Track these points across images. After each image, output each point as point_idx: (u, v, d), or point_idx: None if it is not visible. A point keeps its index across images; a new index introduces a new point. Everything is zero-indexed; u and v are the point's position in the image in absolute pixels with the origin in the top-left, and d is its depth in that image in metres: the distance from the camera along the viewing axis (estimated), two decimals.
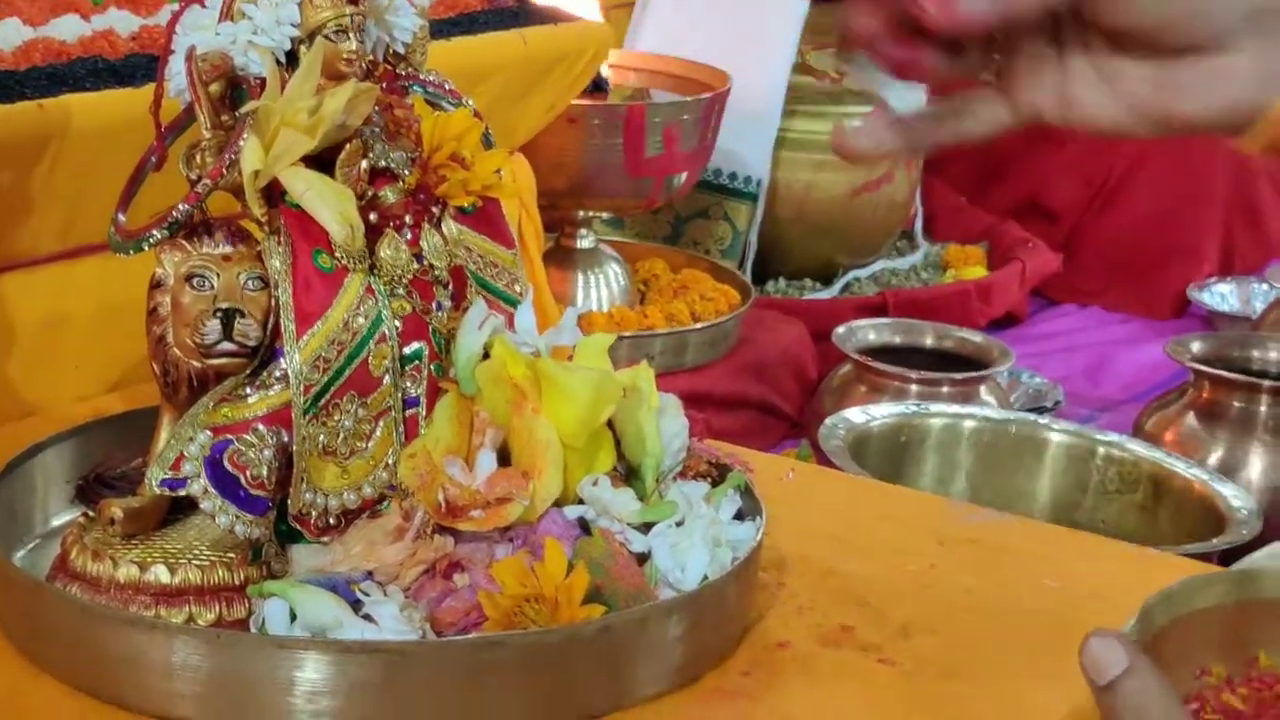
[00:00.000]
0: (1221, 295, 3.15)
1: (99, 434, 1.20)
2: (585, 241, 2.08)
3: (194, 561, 1.03)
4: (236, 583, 1.03)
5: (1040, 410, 2.43)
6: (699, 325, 2.08)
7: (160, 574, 1.02)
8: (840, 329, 2.24)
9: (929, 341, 2.29)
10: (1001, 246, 2.99)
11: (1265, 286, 3.09)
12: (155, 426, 1.08)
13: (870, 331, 2.27)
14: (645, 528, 1.09)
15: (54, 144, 1.27)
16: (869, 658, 1.09)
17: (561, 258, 2.18)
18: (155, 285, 1.05)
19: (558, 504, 1.07)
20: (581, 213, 2.07)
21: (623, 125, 2.00)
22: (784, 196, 2.59)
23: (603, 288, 2.07)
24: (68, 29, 1.39)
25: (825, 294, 2.65)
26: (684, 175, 2.12)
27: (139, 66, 1.35)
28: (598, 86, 1.99)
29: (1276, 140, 0.71)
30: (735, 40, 2.43)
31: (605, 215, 2.17)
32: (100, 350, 1.41)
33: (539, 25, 1.71)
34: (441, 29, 1.57)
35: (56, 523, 1.16)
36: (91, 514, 1.07)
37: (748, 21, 2.53)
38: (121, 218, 1.07)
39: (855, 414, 1.81)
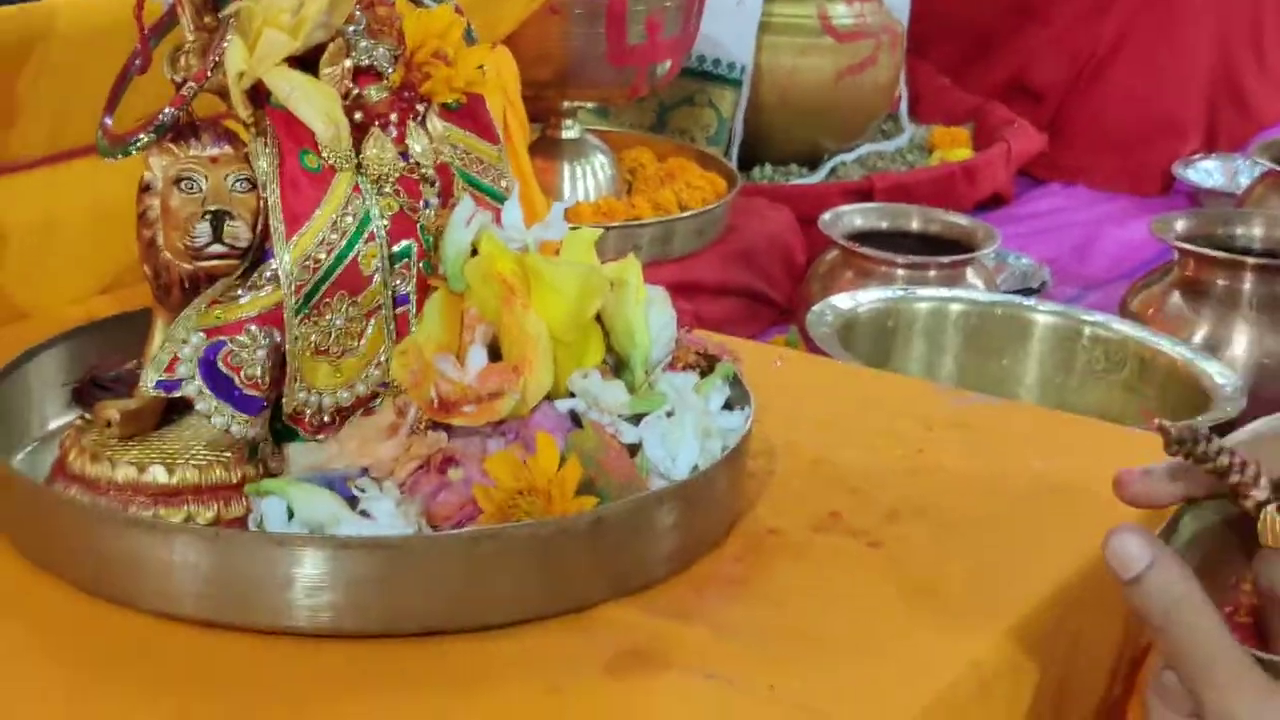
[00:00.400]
0: (1207, 171, 3.16)
1: (92, 337, 1.21)
2: (571, 132, 2.08)
3: (191, 461, 1.04)
4: (234, 481, 1.05)
5: (1027, 291, 2.45)
6: (686, 214, 2.09)
7: (158, 474, 1.03)
8: (826, 215, 2.24)
9: (915, 225, 2.30)
10: (987, 127, 3.00)
11: (1249, 163, 3.10)
12: (148, 329, 1.09)
13: (856, 216, 2.27)
14: (635, 419, 1.10)
15: (39, 46, 1.27)
16: (858, 541, 1.11)
17: (547, 148, 2.18)
18: (144, 189, 1.06)
19: (549, 398, 1.08)
20: (566, 103, 2.07)
21: (605, 14, 1.99)
22: (768, 82, 2.59)
23: (589, 178, 2.08)
24: None
25: (811, 179, 2.65)
26: (668, 63, 2.12)
27: None
28: None
29: None
30: None
31: (590, 105, 2.17)
32: (92, 253, 1.41)
33: None
34: None
35: (52, 426, 1.17)
36: (88, 416, 1.08)
37: None
38: (108, 122, 1.07)
39: (842, 300, 1.82)
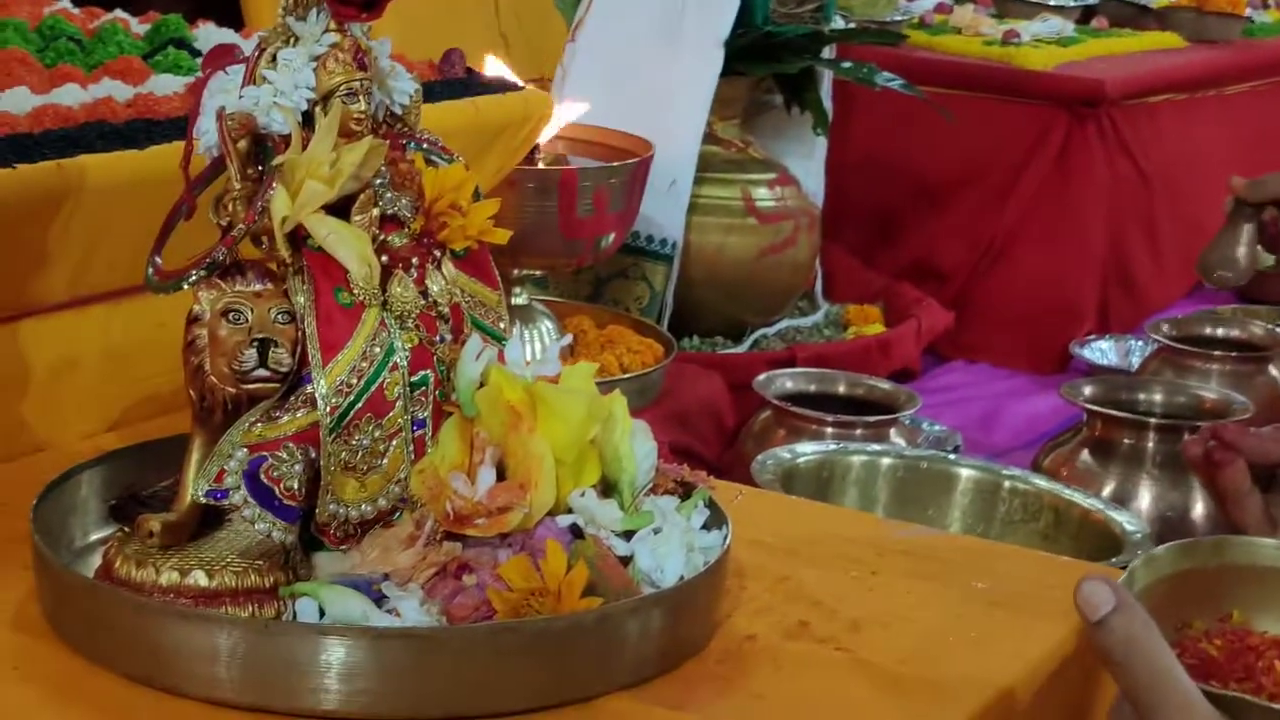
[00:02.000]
0: (1101, 350, 3.32)
1: (124, 460, 1.32)
2: (520, 299, 2.21)
3: (229, 568, 1.15)
4: (267, 586, 1.16)
5: None
6: (627, 375, 2.22)
7: (199, 578, 1.14)
8: (761, 377, 2.38)
9: (841, 389, 2.44)
10: (897, 306, 3.15)
11: (1140, 343, 3.27)
12: (186, 449, 1.20)
13: (788, 380, 2.42)
14: (626, 535, 1.22)
15: (70, 201, 1.38)
16: (827, 647, 1.23)
17: None
18: (193, 320, 1.17)
19: (550, 513, 1.20)
20: (516, 270, 2.20)
21: (557, 188, 2.14)
22: (696, 258, 2.73)
23: (536, 341, 2.20)
24: (70, 96, 1.51)
25: (737, 349, 2.79)
26: (612, 236, 2.26)
27: (140, 130, 1.47)
28: (530, 154, 2.13)
29: None
30: (649, 112, 2.57)
31: (538, 273, 2.30)
32: (103, 393, 1.52)
33: (487, 94, 1.85)
34: None
35: (93, 538, 1.28)
36: (129, 529, 1.19)
37: (660, 95, 2.67)
38: (159, 260, 1.19)
39: (782, 452, 1.95)
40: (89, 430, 1.51)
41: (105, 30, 1.77)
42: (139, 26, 1.87)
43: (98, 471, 1.30)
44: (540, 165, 2.20)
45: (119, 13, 1.92)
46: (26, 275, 1.41)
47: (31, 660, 1.13)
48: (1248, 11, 4.18)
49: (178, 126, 1.48)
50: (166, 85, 1.60)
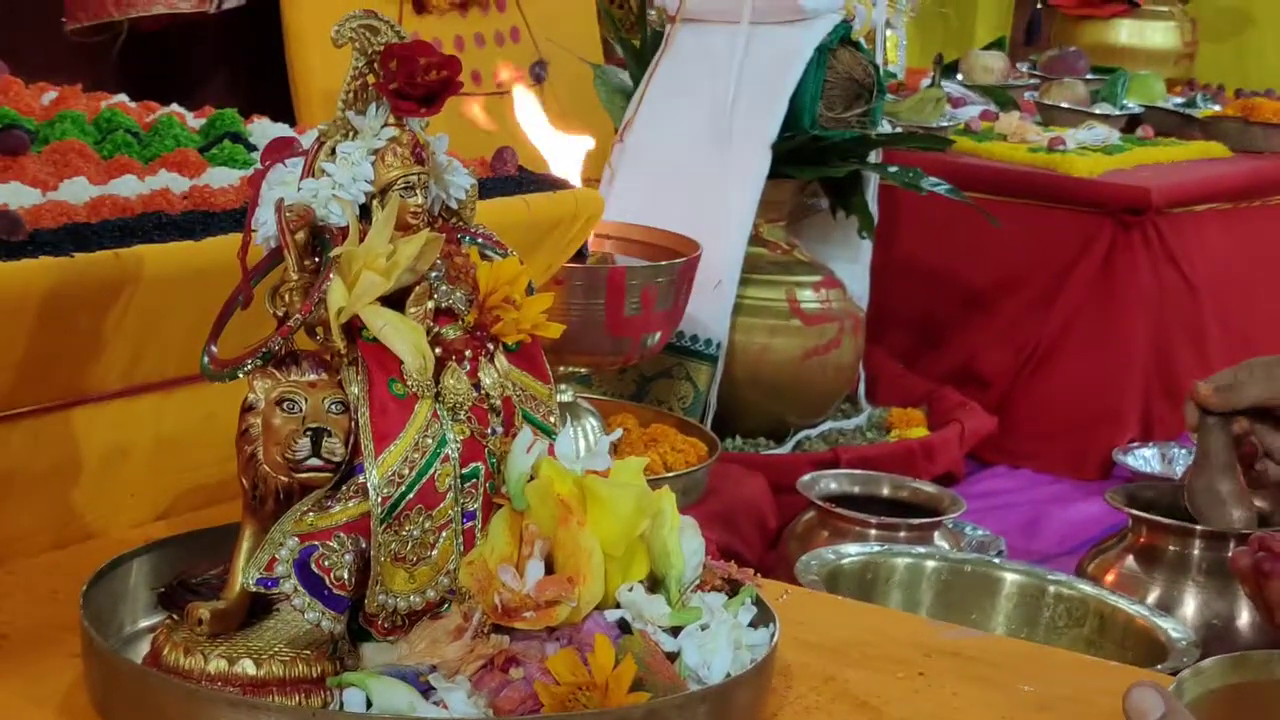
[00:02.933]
0: (1144, 458, 3.32)
1: (173, 548, 1.32)
2: (565, 396, 2.21)
3: (277, 657, 1.15)
4: (314, 675, 1.16)
5: None
6: (671, 474, 2.22)
7: (247, 667, 1.14)
8: (805, 477, 2.39)
9: (885, 491, 2.44)
10: (940, 410, 3.15)
11: (1183, 450, 3.26)
12: (237, 537, 1.21)
13: (831, 481, 2.42)
14: (673, 631, 1.22)
15: (127, 290, 1.40)
16: None
17: None
18: (247, 409, 1.18)
19: (598, 607, 1.20)
20: (562, 367, 2.21)
21: (605, 286, 2.15)
22: (740, 359, 2.74)
23: (580, 439, 2.21)
24: (127, 188, 1.53)
25: (779, 451, 2.79)
26: (658, 334, 2.27)
27: (196, 221, 1.48)
28: (579, 252, 2.15)
29: None
30: (696, 212, 2.60)
31: (583, 370, 2.31)
32: (153, 482, 1.53)
33: (538, 191, 1.87)
34: None
35: (141, 625, 1.29)
36: (177, 617, 1.19)
37: (707, 196, 2.70)
38: (214, 349, 1.20)
39: (827, 553, 1.95)
40: (139, 519, 1.52)
41: (161, 123, 1.79)
42: (194, 121, 1.89)
43: (147, 559, 1.30)
44: (588, 264, 2.22)
45: (175, 107, 1.95)
46: (81, 363, 1.43)
47: None
48: None
49: (233, 218, 1.50)
50: (222, 178, 1.62)
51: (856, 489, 2.44)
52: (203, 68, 3.19)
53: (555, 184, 1.90)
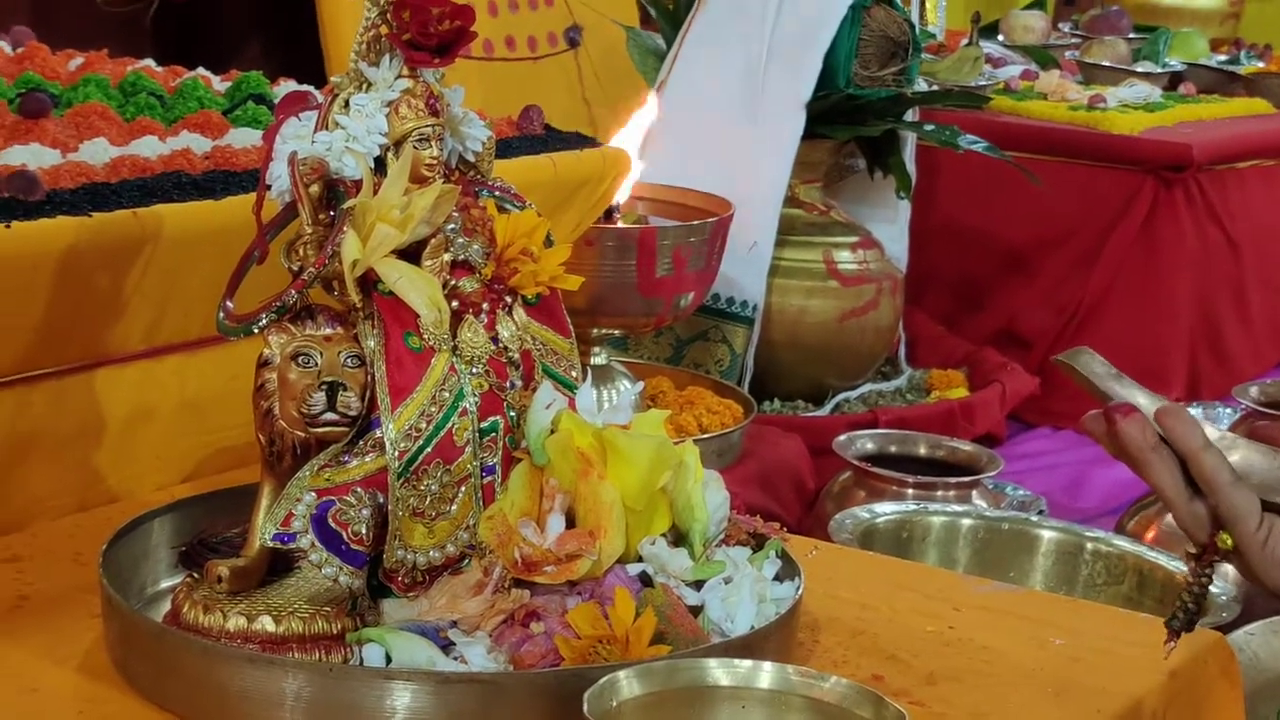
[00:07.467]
0: None
1: (193, 508, 1.32)
2: (599, 359, 2.19)
3: (296, 613, 1.14)
4: (334, 632, 1.15)
5: None
6: (706, 435, 2.20)
7: (266, 624, 1.14)
8: (841, 438, 2.36)
9: (922, 450, 2.42)
10: (981, 371, 3.12)
11: (1230, 410, 3.22)
12: (256, 494, 1.20)
13: (868, 441, 2.40)
14: (696, 585, 1.21)
15: (147, 249, 1.39)
16: (900, 700, 1.20)
17: None
18: (263, 364, 1.17)
19: (620, 561, 1.19)
20: (596, 330, 2.19)
21: (636, 247, 2.13)
22: (777, 321, 2.72)
23: (613, 402, 2.19)
24: (148, 148, 1.52)
25: (818, 413, 2.77)
26: (691, 295, 2.25)
27: (217, 181, 1.48)
28: (609, 213, 2.13)
29: None
30: (730, 174, 2.57)
31: (617, 333, 2.29)
32: (177, 444, 1.52)
33: (565, 150, 1.85)
34: None
35: (163, 585, 1.28)
36: (197, 575, 1.19)
37: (741, 157, 2.68)
38: (230, 304, 1.19)
39: (861, 511, 1.94)
40: (164, 482, 1.51)
41: (186, 86, 1.79)
42: (220, 84, 1.89)
43: (167, 519, 1.30)
44: (619, 224, 2.20)
45: (201, 70, 1.94)
46: (103, 323, 1.42)
47: (98, 704, 1.13)
48: None
49: (255, 178, 1.48)
50: (245, 139, 1.61)
51: (893, 448, 2.41)
52: (235, 35, 3.19)
53: (582, 142, 1.88)
